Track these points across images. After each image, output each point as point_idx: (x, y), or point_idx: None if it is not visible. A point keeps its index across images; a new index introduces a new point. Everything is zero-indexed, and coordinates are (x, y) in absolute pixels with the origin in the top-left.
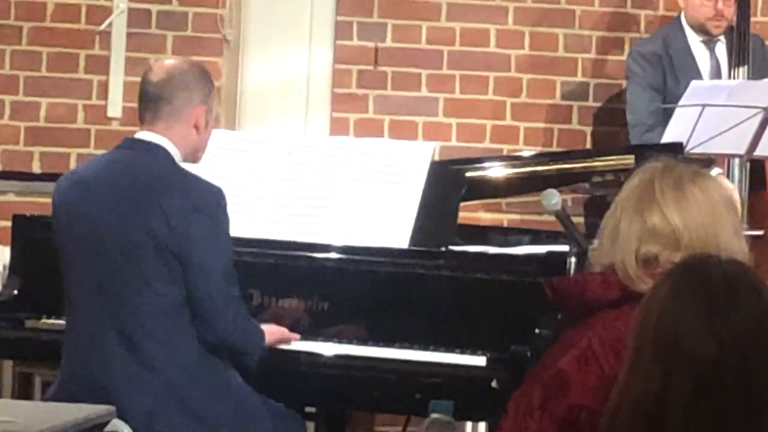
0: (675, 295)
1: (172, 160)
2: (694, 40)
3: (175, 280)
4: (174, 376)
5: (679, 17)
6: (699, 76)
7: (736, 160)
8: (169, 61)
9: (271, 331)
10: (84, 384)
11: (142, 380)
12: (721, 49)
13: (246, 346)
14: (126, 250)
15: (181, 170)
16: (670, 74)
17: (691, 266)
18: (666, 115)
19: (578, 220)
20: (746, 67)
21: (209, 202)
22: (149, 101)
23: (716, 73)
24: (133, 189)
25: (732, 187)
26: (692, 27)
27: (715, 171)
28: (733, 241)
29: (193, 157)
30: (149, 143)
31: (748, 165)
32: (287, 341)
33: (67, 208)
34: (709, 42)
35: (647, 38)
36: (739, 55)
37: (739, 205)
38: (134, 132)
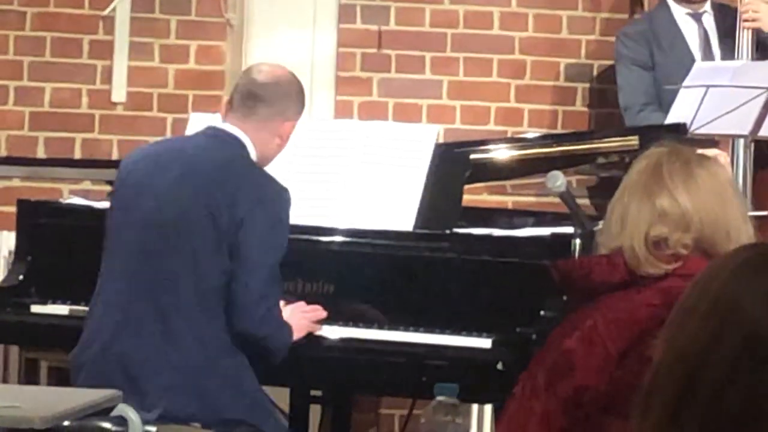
0: (746, 269)
1: (249, 157)
2: (680, 13)
3: (222, 266)
4: (195, 358)
5: None
6: (687, 49)
7: (741, 141)
8: (278, 67)
9: (297, 326)
10: (106, 349)
11: (165, 355)
12: (708, 19)
13: (270, 344)
14: (183, 226)
15: (256, 166)
16: (657, 50)
17: None
18: (667, 96)
19: (583, 201)
20: (734, 40)
21: (275, 199)
22: (249, 97)
23: (705, 44)
24: (206, 173)
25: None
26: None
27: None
28: (741, 223)
29: (262, 165)
30: (233, 136)
31: (752, 145)
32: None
33: (134, 179)
34: (695, 14)
35: (635, 20)
36: (727, 33)
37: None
38: (138, 116)
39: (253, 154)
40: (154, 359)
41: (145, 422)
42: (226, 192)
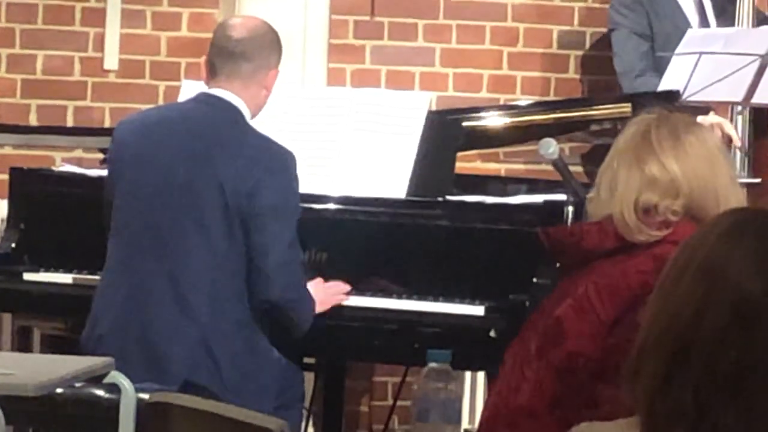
0: (733, 232)
1: (245, 121)
2: None
3: (235, 238)
4: (213, 332)
5: None
6: (682, 15)
7: (739, 108)
8: (249, 19)
9: (321, 300)
10: (123, 323)
11: (183, 328)
12: None
13: (294, 313)
14: (191, 201)
15: (255, 132)
16: (653, 16)
17: (759, 212)
18: (660, 63)
19: (575, 169)
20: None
21: (282, 164)
22: (228, 57)
23: (701, 12)
24: (205, 144)
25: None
26: None
27: (712, 119)
28: (730, 188)
29: (252, 116)
30: (226, 101)
31: (747, 112)
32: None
33: (131, 150)
34: None
35: None
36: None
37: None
38: (131, 84)
39: (248, 114)
40: (171, 332)
41: (139, 390)
42: (228, 161)
